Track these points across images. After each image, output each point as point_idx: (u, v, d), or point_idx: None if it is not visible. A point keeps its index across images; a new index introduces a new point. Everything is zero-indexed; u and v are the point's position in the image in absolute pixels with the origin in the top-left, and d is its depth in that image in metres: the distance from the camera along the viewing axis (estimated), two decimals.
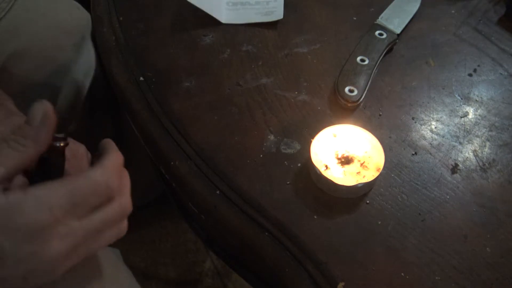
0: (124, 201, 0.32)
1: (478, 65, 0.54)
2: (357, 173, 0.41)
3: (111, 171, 0.31)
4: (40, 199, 0.28)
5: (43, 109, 0.31)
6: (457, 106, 0.50)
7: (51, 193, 0.28)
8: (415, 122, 0.48)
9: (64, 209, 0.28)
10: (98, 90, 0.65)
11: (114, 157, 0.33)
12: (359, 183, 0.40)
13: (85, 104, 0.64)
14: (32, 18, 0.54)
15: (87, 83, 0.62)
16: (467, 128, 0.48)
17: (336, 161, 0.42)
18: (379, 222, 0.41)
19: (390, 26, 0.55)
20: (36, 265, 0.28)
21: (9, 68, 0.45)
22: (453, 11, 0.60)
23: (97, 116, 0.68)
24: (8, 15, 0.52)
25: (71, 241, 0.28)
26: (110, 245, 0.44)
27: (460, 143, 0.47)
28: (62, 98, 0.60)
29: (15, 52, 0.52)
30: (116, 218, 0.32)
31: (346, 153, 0.43)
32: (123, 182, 0.33)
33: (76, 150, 0.37)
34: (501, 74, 0.53)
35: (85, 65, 0.61)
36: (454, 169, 0.45)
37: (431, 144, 0.47)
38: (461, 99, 0.51)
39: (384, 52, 0.53)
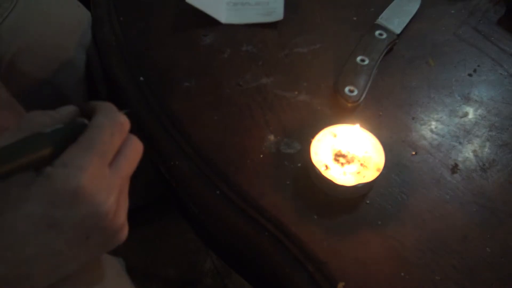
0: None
1: (478, 65, 0.54)
2: (357, 173, 0.41)
3: (111, 112, 0.31)
4: (68, 163, 0.28)
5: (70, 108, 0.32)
6: (457, 106, 0.50)
7: (74, 155, 0.28)
8: (415, 122, 0.48)
9: (93, 166, 0.28)
10: (98, 89, 0.65)
11: (103, 104, 0.33)
12: (359, 183, 0.40)
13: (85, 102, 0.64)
14: (34, 17, 0.54)
15: (87, 81, 0.62)
16: (467, 128, 0.48)
17: (336, 161, 0.42)
18: (379, 222, 0.41)
19: (390, 26, 0.55)
20: (92, 222, 0.28)
21: (13, 67, 0.45)
22: (453, 11, 0.60)
23: None
24: (11, 14, 0.52)
25: (112, 190, 0.29)
26: (113, 252, 0.44)
27: (460, 143, 0.47)
28: (63, 96, 0.60)
29: (19, 51, 0.53)
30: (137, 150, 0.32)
31: (346, 153, 0.43)
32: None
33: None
34: (501, 74, 0.53)
35: (86, 63, 0.61)
36: (454, 169, 0.45)
37: (431, 144, 0.47)
38: (461, 99, 0.51)
39: (384, 52, 0.53)
